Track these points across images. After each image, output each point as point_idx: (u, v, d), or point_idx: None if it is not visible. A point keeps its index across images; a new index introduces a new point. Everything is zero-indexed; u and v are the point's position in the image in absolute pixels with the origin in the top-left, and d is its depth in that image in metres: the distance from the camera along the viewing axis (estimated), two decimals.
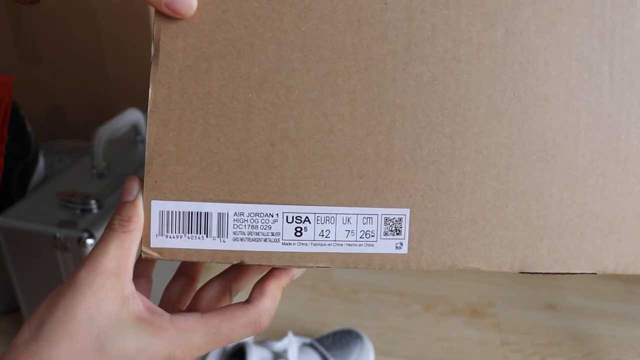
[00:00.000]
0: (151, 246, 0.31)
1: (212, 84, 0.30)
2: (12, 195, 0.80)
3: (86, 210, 0.67)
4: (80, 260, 0.64)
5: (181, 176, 0.30)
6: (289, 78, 0.30)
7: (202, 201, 0.30)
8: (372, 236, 0.32)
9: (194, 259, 0.31)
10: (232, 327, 0.30)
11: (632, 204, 0.34)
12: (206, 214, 0.30)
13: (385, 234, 0.32)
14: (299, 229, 0.31)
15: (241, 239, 0.31)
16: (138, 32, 0.95)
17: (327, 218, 0.31)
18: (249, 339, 0.66)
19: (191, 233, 0.31)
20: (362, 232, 0.32)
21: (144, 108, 0.84)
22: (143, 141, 0.82)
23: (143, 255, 0.31)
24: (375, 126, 0.31)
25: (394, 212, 0.32)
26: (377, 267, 0.32)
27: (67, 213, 0.67)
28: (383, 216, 0.32)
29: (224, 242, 0.31)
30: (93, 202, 0.67)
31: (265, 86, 0.30)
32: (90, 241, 0.63)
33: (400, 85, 0.31)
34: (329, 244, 0.32)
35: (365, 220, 0.32)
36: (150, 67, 0.30)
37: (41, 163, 0.87)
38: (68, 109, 1.09)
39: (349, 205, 0.31)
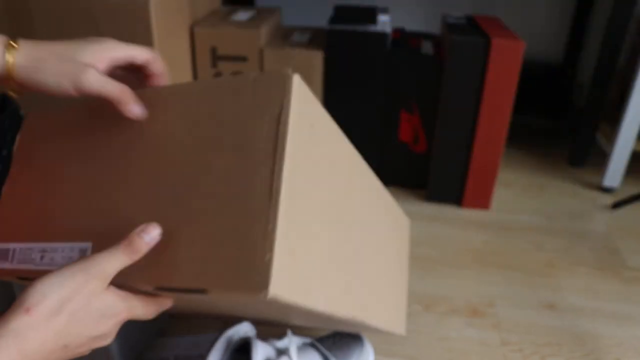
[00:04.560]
0: None
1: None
2: None
3: None
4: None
5: None
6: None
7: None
8: (72, 259, 0.46)
9: None
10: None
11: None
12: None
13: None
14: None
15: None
16: (138, 32, 0.95)
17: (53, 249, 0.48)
18: (252, 334, 0.65)
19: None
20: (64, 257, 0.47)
21: None
22: None
23: None
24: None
25: (81, 245, 0.46)
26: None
27: None
28: (77, 248, 0.47)
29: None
30: None
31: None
32: None
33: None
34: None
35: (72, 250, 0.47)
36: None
37: None
38: None
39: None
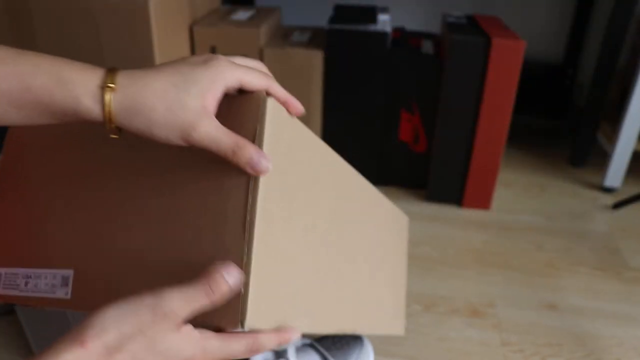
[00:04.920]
0: None
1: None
2: None
3: None
4: None
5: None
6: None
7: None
8: (55, 286, 0.46)
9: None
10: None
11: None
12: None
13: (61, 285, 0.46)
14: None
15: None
16: (138, 32, 0.95)
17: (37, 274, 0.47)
18: None
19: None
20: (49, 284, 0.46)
21: None
22: None
23: None
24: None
25: (64, 272, 0.45)
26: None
27: None
28: (60, 274, 0.46)
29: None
30: None
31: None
32: None
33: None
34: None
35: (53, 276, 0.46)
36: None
37: None
38: None
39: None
